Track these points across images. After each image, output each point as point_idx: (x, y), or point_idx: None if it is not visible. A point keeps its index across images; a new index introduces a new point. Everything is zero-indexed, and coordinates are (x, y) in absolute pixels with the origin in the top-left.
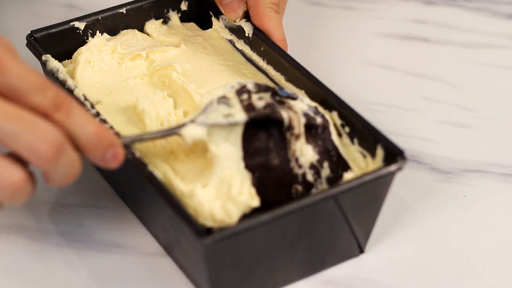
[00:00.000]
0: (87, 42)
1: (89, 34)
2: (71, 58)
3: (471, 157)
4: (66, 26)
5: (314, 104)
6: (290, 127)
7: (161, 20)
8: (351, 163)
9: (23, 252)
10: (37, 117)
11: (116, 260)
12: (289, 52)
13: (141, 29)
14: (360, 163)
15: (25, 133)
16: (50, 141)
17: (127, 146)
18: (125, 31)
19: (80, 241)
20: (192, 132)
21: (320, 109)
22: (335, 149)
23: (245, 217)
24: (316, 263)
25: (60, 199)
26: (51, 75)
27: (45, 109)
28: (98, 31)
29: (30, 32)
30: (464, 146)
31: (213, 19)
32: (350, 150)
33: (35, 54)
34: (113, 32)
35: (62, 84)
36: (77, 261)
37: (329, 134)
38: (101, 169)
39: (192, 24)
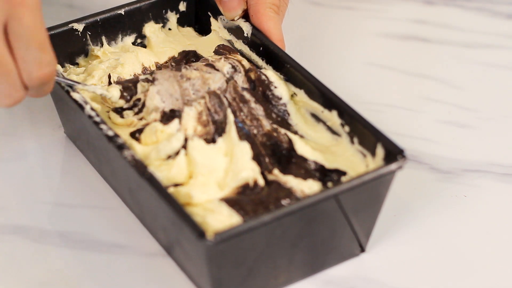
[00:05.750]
0: (86, 44)
1: (88, 35)
2: (70, 60)
3: (471, 157)
4: (64, 28)
5: None
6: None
7: (161, 25)
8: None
9: (23, 252)
10: (20, 78)
11: (116, 260)
12: (289, 52)
13: (140, 31)
14: (358, 163)
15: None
16: (13, 101)
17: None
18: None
19: (80, 241)
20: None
21: None
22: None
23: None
24: (317, 263)
25: (60, 199)
26: None
27: (29, 68)
28: (101, 37)
29: None
30: (464, 146)
31: (212, 19)
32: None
33: None
34: (111, 34)
35: (60, 86)
36: (76, 262)
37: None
38: (101, 169)
39: (190, 29)
